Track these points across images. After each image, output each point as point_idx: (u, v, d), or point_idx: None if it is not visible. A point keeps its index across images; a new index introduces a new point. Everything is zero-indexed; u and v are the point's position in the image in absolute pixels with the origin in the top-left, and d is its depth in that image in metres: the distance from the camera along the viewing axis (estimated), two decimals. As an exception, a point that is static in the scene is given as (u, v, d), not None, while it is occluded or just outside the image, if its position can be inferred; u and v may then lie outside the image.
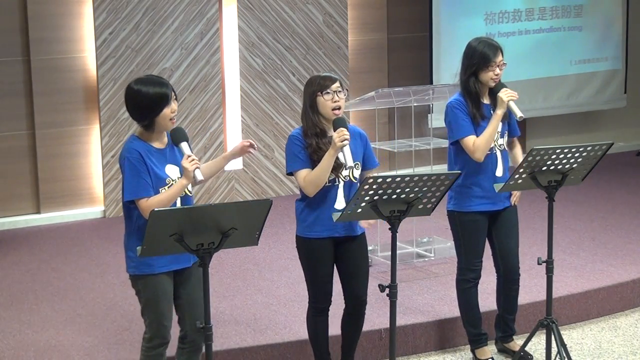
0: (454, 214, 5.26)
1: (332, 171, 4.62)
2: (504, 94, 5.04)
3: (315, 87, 4.67)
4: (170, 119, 4.29)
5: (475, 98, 5.12)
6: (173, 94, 4.32)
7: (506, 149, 5.26)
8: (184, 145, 4.29)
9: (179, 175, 4.33)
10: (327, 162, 4.57)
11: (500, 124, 5.15)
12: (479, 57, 5.09)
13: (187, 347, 4.50)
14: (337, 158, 4.57)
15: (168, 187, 4.29)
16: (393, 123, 7.12)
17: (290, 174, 4.73)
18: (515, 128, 5.34)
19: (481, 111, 5.12)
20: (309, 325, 4.97)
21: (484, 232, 5.27)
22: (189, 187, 4.35)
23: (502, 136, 5.20)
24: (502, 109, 5.06)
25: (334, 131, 4.55)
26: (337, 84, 4.67)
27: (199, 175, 4.22)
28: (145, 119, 4.29)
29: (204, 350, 4.08)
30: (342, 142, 4.49)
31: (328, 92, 4.64)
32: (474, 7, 9.52)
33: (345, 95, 4.71)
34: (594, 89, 10.42)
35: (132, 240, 4.32)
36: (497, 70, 5.09)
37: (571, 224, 7.73)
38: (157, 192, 4.27)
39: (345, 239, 4.78)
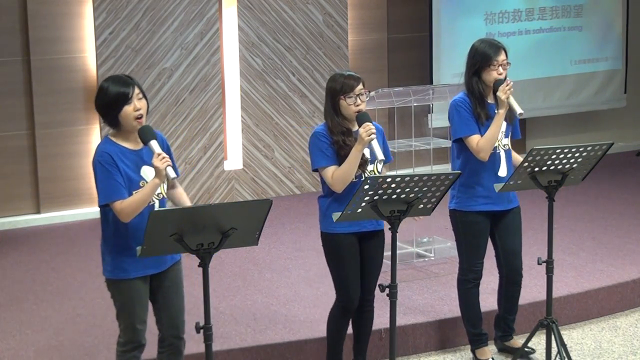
0: (456, 214, 5.25)
1: (357, 167, 4.64)
2: (501, 93, 5.03)
3: (338, 88, 4.68)
4: (136, 118, 4.19)
5: (479, 98, 5.11)
6: (137, 91, 4.20)
7: (510, 149, 5.25)
8: (153, 144, 4.18)
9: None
10: (354, 157, 4.59)
11: (505, 123, 5.15)
12: (480, 56, 5.09)
13: (165, 351, 4.47)
14: (363, 154, 4.60)
15: (137, 192, 4.19)
16: (393, 123, 7.12)
17: (315, 170, 4.74)
18: (517, 131, 5.32)
19: (486, 111, 5.11)
20: (331, 324, 4.93)
21: (486, 233, 5.26)
22: (164, 187, 4.28)
23: (506, 136, 5.19)
24: (503, 108, 5.04)
25: (359, 126, 4.58)
26: (360, 86, 4.69)
27: (172, 173, 4.11)
28: (107, 117, 4.23)
29: (204, 350, 4.08)
30: (369, 136, 4.52)
31: (350, 97, 4.66)
32: (474, 7, 9.53)
33: (367, 97, 4.74)
34: (593, 89, 10.43)
35: (109, 244, 4.26)
36: (500, 70, 5.08)
37: (571, 224, 7.73)
38: (130, 195, 4.18)
39: (369, 234, 4.79)
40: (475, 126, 5.08)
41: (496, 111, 5.11)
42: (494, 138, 5.06)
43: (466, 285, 5.31)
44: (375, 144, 4.56)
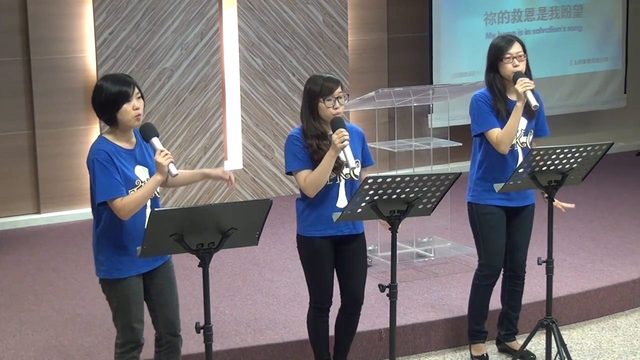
0: (472, 207, 5.25)
1: (332, 170, 4.61)
2: (519, 85, 5.01)
3: (317, 90, 4.62)
4: (135, 116, 4.19)
5: (499, 94, 5.13)
6: (137, 91, 4.22)
7: (529, 147, 5.20)
8: (154, 141, 4.21)
9: (148, 177, 4.25)
10: (327, 163, 4.55)
11: (526, 121, 5.13)
12: (493, 50, 5.15)
13: (163, 349, 4.46)
14: (338, 157, 4.57)
15: (137, 189, 4.20)
16: (393, 123, 7.12)
17: (289, 173, 4.72)
18: (544, 128, 5.29)
19: (506, 106, 5.11)
20: (309, 326, 4.95)
21: (502, 226, 5.24)
22: (157, 188, 4.28)
23: (525, 134, 5.18)
24: (520, 101, 5.02)
25: (333, 132, 4.53)
26: (339, 89, 4.63)
27: (174, 170, 4.13)
28: (105, 115, 4.22)
29: (204, 350, 4.08)
30: (342, 143, 4.49)
31: (330, 99, 4.61)
32: (474, 7, 9.52)
33: (346, 100, 4.70)
34: (593, 89, 10.43)
35: (102, 243, 4.25)
36: (516, 62, 5.08)
37: (571, 224, 7.73)
38: (127, 194, 4.18)
39: (346, 238, 4.77)
40: (495, 120, 5.09)
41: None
42: (513, 130, 5.04)
43: (482, 281, 5.30)
44: (347, 151, 4.49)
